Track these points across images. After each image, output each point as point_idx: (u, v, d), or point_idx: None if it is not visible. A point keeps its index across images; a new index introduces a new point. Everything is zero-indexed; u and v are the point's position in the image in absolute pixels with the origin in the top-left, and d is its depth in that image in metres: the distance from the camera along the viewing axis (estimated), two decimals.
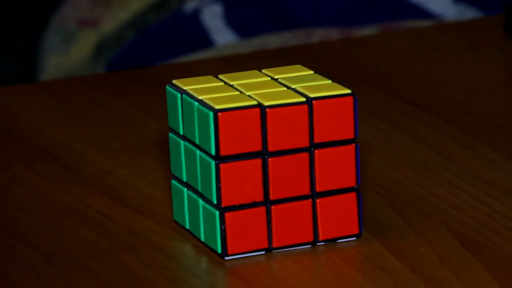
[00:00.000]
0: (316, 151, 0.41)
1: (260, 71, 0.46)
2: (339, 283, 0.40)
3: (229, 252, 0.40)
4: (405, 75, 0.70)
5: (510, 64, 0.75)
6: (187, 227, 0.43)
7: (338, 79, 0.44)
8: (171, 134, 0.44)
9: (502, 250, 0.39)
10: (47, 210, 0.46)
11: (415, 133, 0.54)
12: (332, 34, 0.99)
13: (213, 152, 0.40)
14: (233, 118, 0.40)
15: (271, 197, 0.40)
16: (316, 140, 0.41)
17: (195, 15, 1.09)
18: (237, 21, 1.07)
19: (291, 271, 0.40)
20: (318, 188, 0.41)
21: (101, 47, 1.22)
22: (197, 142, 0.41)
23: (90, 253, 0.41)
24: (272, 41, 1.02)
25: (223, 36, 1.08)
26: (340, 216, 0.41)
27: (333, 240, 0.41)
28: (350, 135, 0.41)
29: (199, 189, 0.41)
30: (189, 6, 1.09)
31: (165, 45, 1.10)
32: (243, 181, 0.41)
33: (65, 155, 0.56)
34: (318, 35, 1.01)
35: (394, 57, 0.75)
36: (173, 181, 0.45)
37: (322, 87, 0.42)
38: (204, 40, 1.08)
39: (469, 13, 1.01)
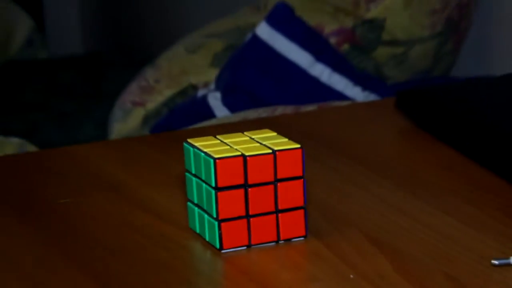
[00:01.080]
0: (279, 184, 0.53)
1: (243, 133, 0.58)
2: (291, 267, 0.54)
3: (224, 247, 0.52)
4: (336, 136, 0.87)
5: (400, 131, 0.92)
6: (198, 231, 0.55)
7: (290, 137, 0.57)
8: (186, 173, 0.56)
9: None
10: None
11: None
12: (288, 110, 1.19)
13: (213, 184, 0.51)
14: (226, 163, 0.51)
15: (250, 213, 0.52)
16: (278, 177, 0.53)
17: (204, 98, 1.33)
18: (229, 102, 1.29)
19: (262, 258, 0.54)
20: (279, 207, 0.53)
21: (146, 119, 1.49)
22: (203, 178, 0.53)
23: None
24: (251, 114, 1.24)
25: (221, 112, 1.33)
26: (293, 225, 0.54)
27: (289, 240, 0.53)
28: (299, 173, 0.53)
29: (205, 207, 0.53)
30: (200, 93, 1.33)
31: (185, 117, 1.30)
32: (232, 202, 0.52)
33: (122, 186, 0.71)
34: (280, 110, 1.25)
35: (330, 124, 0.93)
36: (188, 203, 0.56)
37: (282, 143, 0.54)
38: (209, 114, 1.33)
39: (372, 97, 1.30)
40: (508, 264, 0.51)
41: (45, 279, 0.54)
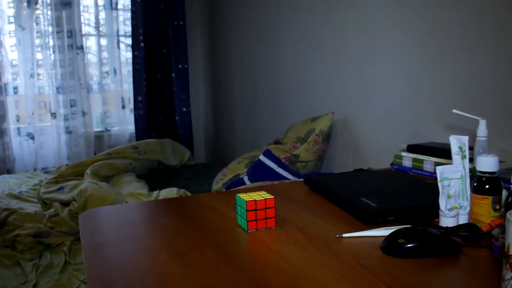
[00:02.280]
0: (267, 209, 0.75)
1: (255, 192, 0.79)
2: (271, 234, 0.73)
3: (248, 230, 0.75)
4: (284, 191, 1.01)
5: (305, 192, 1.03)
6: (239, 223, 0.78)
7: (271, 193, 0.78)
8: (237, 205, 0.78)
9: None
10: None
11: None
12: (269, 183, 1.55)
13: (245, 208, 0.75)
14: (250, 202, 0.75)
15: (257, 218, 0.74)
16: (267, 206, 0.75)
17: (242, 178, 1.71)
18: (250, 180, 1.66)
19: (260, 233, 0.75)
20: (267, 216, 0.75)
21: (223, 184, 1.86)
22: (242, 206, 0.76)
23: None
24: (257, 184, 1.59)
25: (248, 182, 1.67)
26: (271, 222, 0.76)
27: (270, 227, 0.76)
28: (273, 205, 0.76)
29: (242, 216, 0.76)
30: (241, 176, 1.75)
31: (236, 185, 1.70)
32: (251, 215, 0.74)
33: (215, 208, 0.87)
34: (267, 183, 1.56)
35: (283, 188, 1.08)
36: (237, 214, 0.79)
37: (268, 195, 0.78)
38: (243, 183, 1.67)
39: (296, 179, 1.64)
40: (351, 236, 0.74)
41: (188, 250, 0.73)
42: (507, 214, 0.51)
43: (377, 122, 1.73)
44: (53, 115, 3.14)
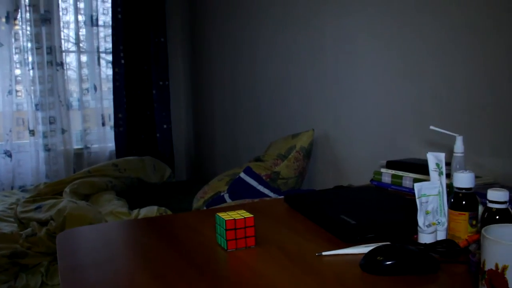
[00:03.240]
0: (246, 228, 0.75)
1: (235, 211, 0.80)
2: (250, 253, 0.73)
3: (228, 249, 0.75)
4: (265, 209, 1.02)
5: (285, 209, 1.04)
6: (219, 243, 0.78)
7: (250, 212, 0.79)
8: (216, 224, 0.78)
9: None
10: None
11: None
12: (249, 201, 1.54)
13: (224, 227, 0.74)
14: (229, 221, 0.75)
15: (237, 237, 0.74)
16: (246, 225, 0.75)
17: (223, 196, 1.70)
18: (231, 197, 1.65)
19: (241, 252, 0.75)
20: (246, 235, 0.76)
21: (204, 202, 1.85)
22: (221, 226, 0.76)
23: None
24: (238, 202, 1.58)
25: (228, 200, 1.66)
26: (250, 241, 0.76)
27: (249, 246, 0.76)
28: (252, 224, 0.77)
29: (221, 235, 0.76)
30: (222, 194, 1.75)
31: (216, 202, 1.68)
32: (231, 234, 0.74)
33: (195, 228, 0.87)
34: (247, 201, 1.55)
35: (263, 205, 1.09)
36: (217, 234, 0.79)
37: (247, 214, 0.78)
38: (224, 201, 1.66)
39: (276, 196, 1.64)
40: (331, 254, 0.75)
41: (168, 269, 0.75)
42: (482, 231, 0.52)
43: (357, 138, 1.75)
44: (32, 132, 3.13)
